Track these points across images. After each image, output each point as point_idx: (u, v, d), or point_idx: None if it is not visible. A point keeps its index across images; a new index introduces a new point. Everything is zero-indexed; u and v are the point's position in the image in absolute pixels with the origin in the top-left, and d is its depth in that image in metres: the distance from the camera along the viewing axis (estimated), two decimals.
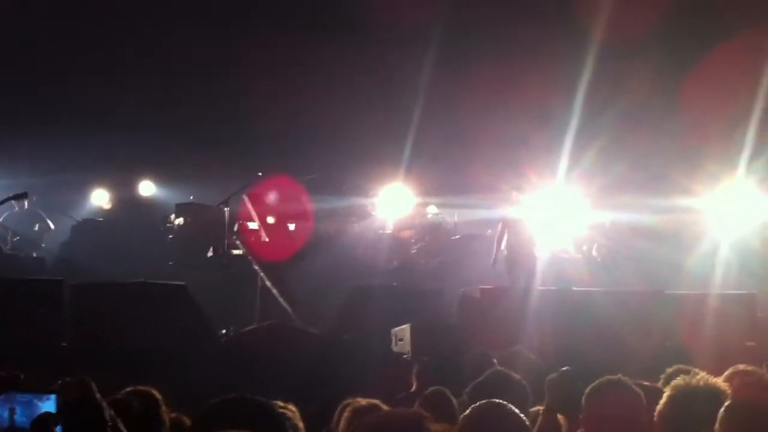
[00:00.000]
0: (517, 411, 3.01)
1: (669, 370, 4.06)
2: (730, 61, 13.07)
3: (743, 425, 2.62)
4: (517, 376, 4.23)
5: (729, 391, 2.99)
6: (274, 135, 14.53)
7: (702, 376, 3.08)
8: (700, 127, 13.49)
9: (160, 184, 15.83)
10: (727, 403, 2.72)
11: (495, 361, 5.92)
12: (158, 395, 3.91)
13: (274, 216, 10.50)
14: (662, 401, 3.05)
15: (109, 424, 2.88)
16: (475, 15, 14.78)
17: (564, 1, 14.29)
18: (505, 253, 10.64)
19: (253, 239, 10.36)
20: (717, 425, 2.66)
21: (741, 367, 4.06)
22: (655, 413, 3.06)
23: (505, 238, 10.68)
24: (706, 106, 13.48)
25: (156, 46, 14.54)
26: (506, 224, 10.61)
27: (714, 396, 2.90)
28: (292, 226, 10.97)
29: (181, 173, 15.02)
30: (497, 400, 3.09)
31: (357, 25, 14.48)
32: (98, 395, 3.04)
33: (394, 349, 9.27)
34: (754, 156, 12.64)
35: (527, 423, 3.02)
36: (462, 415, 3.07)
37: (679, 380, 3.08)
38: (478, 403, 3.07)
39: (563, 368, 3.87)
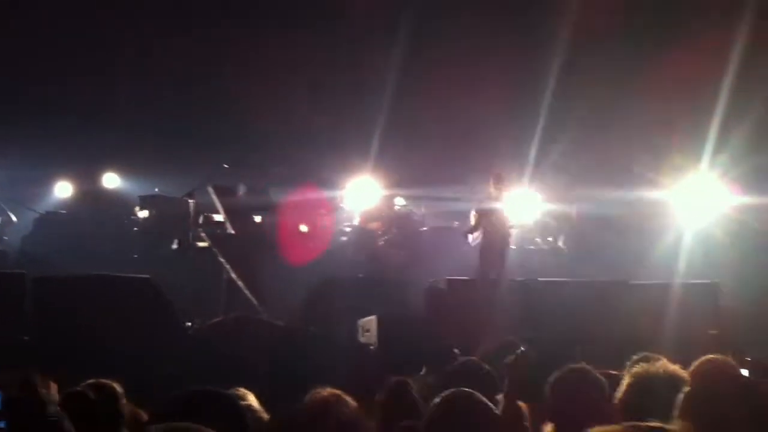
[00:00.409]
0: (485, 400, 3.01)
1: (635, 358, 4.09)
2: (694, 55, 13.21)
3: (701, 410, 2.63)
4: (487, 367, 4.20)
5: (688, 378, 3.01)
6: (240, 126, 14.43)
7: (661, 363, 3.10)
8: (665, 121, 13.64)
9: (125, 176, 15.63)
10: (685, 389, 2.74)
11: (456, 351, 5.93)
12: (118, 388, 3.86)
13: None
14: (622, 389, 3.07)
15: (54, 419, 2.82)
16: (444, 8, 14.80)
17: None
18: (479, 241, 10.64)
19: (218, 231, 10.28)
20: (675, 411, 2.68)
21: (710, 356, 4.09)
22: (616, 400, 3.08)
23: (482, 226, 10.68)
24: (671, 100, 13.63)
25: (119, 39, 14.36)
26: (481, 214, 10.61)
27: (673, 383, 2.92)
28: (258, 218, 10.91)
29: (145, 165, 14.85)
30: (466, 389, 3.09)
31: (325, 18, 14.42)
32: (44, 390, 2.97)
33: (361, 340, 9.27)
34: (717, 149, 12.82)
35: (496, 411, 3.03)
36: (432, 403, 3.07)
37: (638, 368, 3.09)
38: (447, 392, 3.06)
39: (518, 350, 3.88)
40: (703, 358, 3.98)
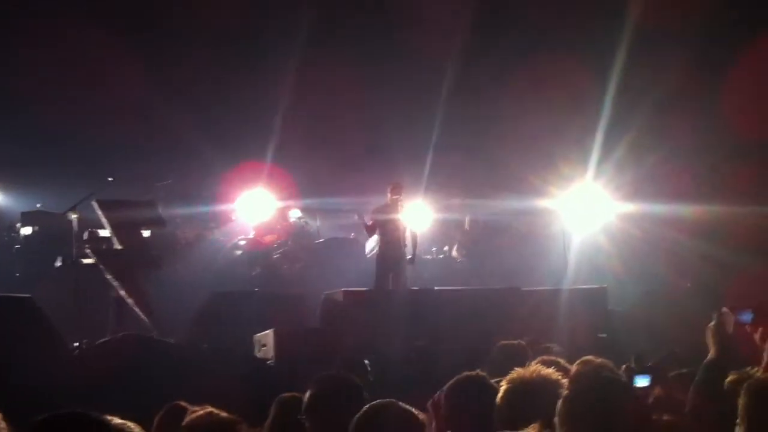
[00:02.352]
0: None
1: (533, 363, 4.13)
2: (579, 68, 13.69)
3: (577, 413, 2.65)
4: (354, 378, 4.10)
5: (563, 381, 3.04)
6: (126, 138, 13.98)
7: (536, 368, 3.12)
8: (552, 132, 14.04)
9: (5, 191, 14.89)
10: (564, 394, 2.75)
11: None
12: None
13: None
14: (499, 395, 3.07)
15: None
16: (338, 16, 14.82)
17: (427, 5, 14.50)
18: (376, 251, 10.61)
19: (104, 247, 9.89)
20: (556, 417, 2.69)
21: (591, 358, 4.15)
22: (495, 407, 3.07)
23: (376, 237, 10.66)
24: (557, 111, 14.06)
25: None
26: (377, 224, 10.61)
27: (548, 386, 2.94)
28: (146, 233, 10.57)
29: (26, 179, 14.20)
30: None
31: (217, 25, 14.18)
32: None
33: (258, 355, 9.09)
34: (602, 160, 13.29)
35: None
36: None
37: (513, 373, 3.10)
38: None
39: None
40: (581, 360, 4.04)
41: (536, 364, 3.61)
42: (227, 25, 14.16)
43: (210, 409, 3.55)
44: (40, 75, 13.66)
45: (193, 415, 3.63)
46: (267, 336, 9.00)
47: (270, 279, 12.50)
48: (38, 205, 13.51)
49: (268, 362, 8.83)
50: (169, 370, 8.07)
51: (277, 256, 13.04)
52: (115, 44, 13.48)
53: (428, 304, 9.84)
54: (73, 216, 9.33)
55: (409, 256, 10.74)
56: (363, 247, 12.73)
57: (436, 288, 10.62)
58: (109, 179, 9.91)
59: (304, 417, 3.58)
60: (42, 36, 13.31)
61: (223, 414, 3.46)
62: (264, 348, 9.04)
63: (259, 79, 14.74)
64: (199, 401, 4.60)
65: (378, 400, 3.08)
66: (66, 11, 13.41)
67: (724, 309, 3.60)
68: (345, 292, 9.90)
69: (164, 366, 8.15)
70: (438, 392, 4.02)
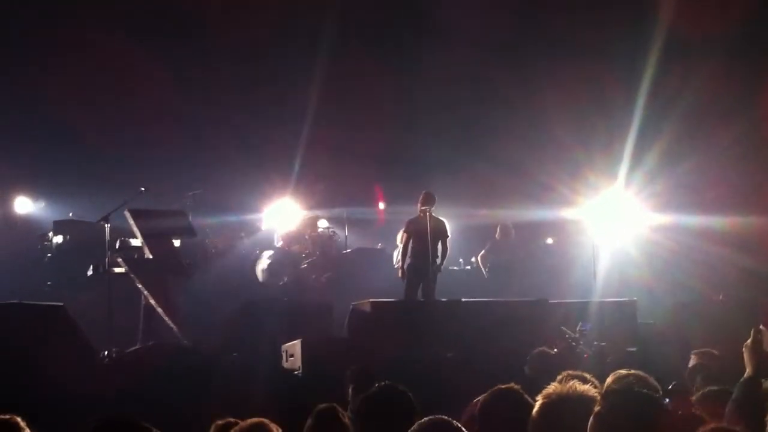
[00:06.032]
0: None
1: (559, 377, 4.10)
2: (611, 75, 13.61)
3: (610, 429, 2.63)
4: (402, 387, 4.11)
5: (599, 398, 3.02)
6: (158, 148, 14.13)
7: (572, 384, 3.09)
8: (584, 140, 13.95)
9: (38, 200, 15.10)
10: (596, 410, 2.73)
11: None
12: (20, 422, 3.65)
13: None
14: (534, 410, 3.05)
15: None
16: (360, 28, 14.89)
17: (455, 16, 14.53)
18: (410, 261, 10.60)
19: (136, 256, 10.00)
20: None
21: (623, 372, 4.12)
22: (529, 422, 3.06)
23: (410, 247, 10.66)
24: (589, 120, 13.97)
25: (29, 56, 13.97)
26: (410, 235, 10.61)
27: (585, 403, 2.91)
28: (177, 242, 10.66)
29: (59, 189, 14.39)
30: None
31: (245, 37, 14.32)
32: None
33: (285, 365, 9.11)
34: (632, 169, 13.17)
35: None
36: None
37: (550, 388, 3.08)
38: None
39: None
40: (614, 375, 4.00)
41: (563, 377, 3.57)
42: (256, 36, 14.29)
43: (262, 419, 3.56)
44: (73, 86, 13.85)
45: (243, 424, 3.64)
46: (295, 346, 9.02)
47: (297, 288, 12.54)
48: (70, 214, 13.68)
49: (296, 372, 8.84)
50: (198, 379, 8.12)
51: (305, 265, 13.08)
52: (146, 56, 13.66)
53: (456, 315, 9.80)
54: (106, 225, 9.44)
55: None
56: (391, 257, 12.73)
57: (463, 299, 10.57)
58: (141, 189, 10.00)
59: None
60: (74, 46, 13.52)
61: (273, 426, 3.46)
62: (291, 358, 9.06)
63: (288, 89, 14.85)
64: (228, 411, 4.63)
65: (434, 416, 3.07)
66: (100, 24, 13.62)
67: (762, 327, 3.58)
68: (373, 302, 9.88)
69: (193, 375, 8.20)
70: (470, 404, 4.00)
